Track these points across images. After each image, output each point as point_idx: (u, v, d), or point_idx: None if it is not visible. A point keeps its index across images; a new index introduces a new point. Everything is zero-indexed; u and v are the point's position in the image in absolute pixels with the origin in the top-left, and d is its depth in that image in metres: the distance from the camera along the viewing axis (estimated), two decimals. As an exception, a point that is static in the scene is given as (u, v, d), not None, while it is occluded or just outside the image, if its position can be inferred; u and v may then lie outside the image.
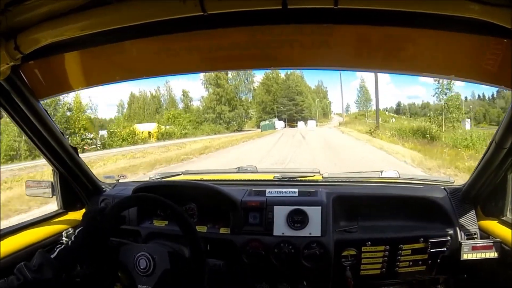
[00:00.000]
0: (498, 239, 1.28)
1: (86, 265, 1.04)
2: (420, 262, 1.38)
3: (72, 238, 1.04)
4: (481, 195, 1.36)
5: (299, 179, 1.69)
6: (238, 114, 44.71)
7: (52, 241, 1.42)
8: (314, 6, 0.84)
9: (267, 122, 42.39)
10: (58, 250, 1.00)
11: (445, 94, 21.22)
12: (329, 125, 45.48)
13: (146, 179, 1.90)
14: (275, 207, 1.39)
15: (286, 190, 1.47)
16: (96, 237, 1.05)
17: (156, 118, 39.64)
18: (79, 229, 1.06)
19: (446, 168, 9.73)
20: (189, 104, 45.14)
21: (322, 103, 52.62)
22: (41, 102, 1.25)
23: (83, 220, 1.12)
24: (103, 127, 31.30)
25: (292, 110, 47.72)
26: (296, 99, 48.12)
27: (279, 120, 44.65)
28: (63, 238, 1.46)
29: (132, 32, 0.96)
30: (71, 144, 1.46)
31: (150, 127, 34.40)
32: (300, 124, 44.77)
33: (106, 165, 13.91)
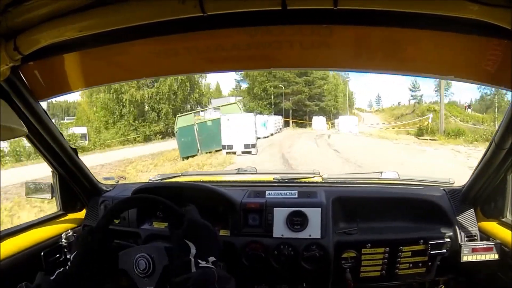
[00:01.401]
0: (498, 241, 1.27)
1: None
2: (420, 264, 1.37)
3: (69, 263, 1.02)
4: (480, 196, 1.36)
5: (298, 180, 1.68)
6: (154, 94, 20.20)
7: (52, 243, 1.42)
8: (313, 6, 0.84)
9: (186, 121, 14.47)
10: (57, 273, 0.99)
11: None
12: (373, 129, 25.06)
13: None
14: (274, 208, 1.39)
15: (285, 191, 1.47)
16: (91, 260, 1.03)
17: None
18: (74, 254, 1.04)
19: None
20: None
21: (347, 92, 32.42)
22: (41, 102, 1.25)
23: (76, 245, 1.09)
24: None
25: (302, 94, 26.66)
26: (310, 74, 27.03)
27: (271, 113, 23.90)
28: (63, 240, 1.46)
29: (131, 32, 0.96)
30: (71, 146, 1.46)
31: None
32: (317, 122, 23.25)
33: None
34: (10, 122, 0.93)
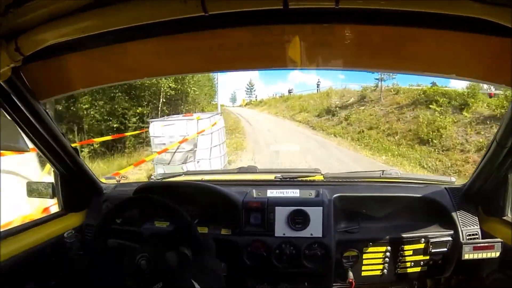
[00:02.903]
0: (499, 239, 1.28)
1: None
2: (421, 262, 1.38)
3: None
4: (482, 194, 1.36)
5: (300, 179, 1.68)
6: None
7: (53, 243, 1.43)
8: (315, 6, 0.84)
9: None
10: None
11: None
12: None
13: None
14: (276, 207, 1.39)
15: (287, 190, 1.47)
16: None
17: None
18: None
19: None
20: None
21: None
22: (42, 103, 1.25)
23: None
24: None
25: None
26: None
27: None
28: (64, 239, 1.46)
29: (133, 33, 0.95)
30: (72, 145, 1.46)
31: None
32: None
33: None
34: None
